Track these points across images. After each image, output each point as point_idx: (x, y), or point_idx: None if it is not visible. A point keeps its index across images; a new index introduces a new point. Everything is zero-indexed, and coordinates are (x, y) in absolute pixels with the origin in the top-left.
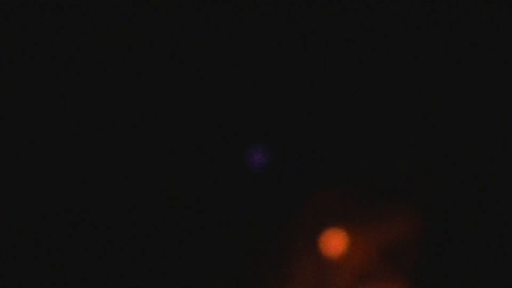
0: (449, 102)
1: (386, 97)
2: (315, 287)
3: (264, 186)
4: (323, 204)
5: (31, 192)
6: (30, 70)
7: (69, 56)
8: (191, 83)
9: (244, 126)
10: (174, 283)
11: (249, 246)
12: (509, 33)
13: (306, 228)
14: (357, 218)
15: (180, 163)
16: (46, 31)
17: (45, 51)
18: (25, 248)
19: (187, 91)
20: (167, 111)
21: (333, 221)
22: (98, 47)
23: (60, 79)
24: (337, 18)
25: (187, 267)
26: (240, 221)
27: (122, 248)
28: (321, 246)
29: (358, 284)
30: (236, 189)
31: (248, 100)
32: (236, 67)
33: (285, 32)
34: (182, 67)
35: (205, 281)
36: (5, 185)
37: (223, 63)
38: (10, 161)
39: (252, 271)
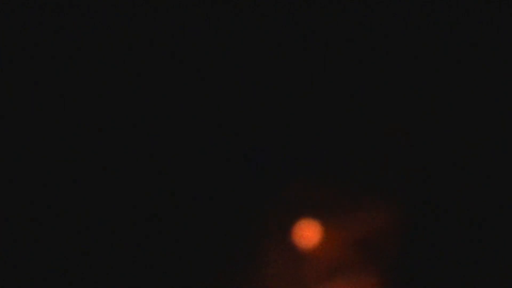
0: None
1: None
2: (291, 280)
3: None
4: (301, 196)
5: (31, 192)
6: (30, 70)
7: (69, 56)
8: (191, 83)
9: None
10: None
11: (227, 241)
12: (509, 33)
13: (282, 221)
14: (335, 211)
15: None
16: (46, 31)
17: (45, 51)
18: (25, 248)
19: (187, 91)
20: (167, 111)
21: (310, 214)
22: (98, 47)
23: (60, 79)
24: (337, 18)
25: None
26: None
27: (122, 248)
28: (297, 239)
29: (335, 277)
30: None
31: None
32: (236, 67)
33: (285, 32)
34: (182, 67)
35: (184, 277)
36: (5, 185)
37: (223, 63)
38: (10, 161)
39: (230, 266)
